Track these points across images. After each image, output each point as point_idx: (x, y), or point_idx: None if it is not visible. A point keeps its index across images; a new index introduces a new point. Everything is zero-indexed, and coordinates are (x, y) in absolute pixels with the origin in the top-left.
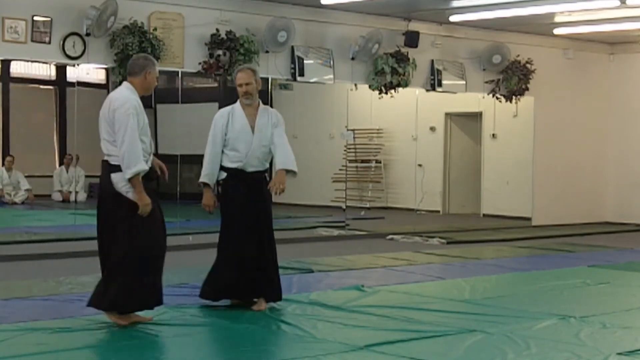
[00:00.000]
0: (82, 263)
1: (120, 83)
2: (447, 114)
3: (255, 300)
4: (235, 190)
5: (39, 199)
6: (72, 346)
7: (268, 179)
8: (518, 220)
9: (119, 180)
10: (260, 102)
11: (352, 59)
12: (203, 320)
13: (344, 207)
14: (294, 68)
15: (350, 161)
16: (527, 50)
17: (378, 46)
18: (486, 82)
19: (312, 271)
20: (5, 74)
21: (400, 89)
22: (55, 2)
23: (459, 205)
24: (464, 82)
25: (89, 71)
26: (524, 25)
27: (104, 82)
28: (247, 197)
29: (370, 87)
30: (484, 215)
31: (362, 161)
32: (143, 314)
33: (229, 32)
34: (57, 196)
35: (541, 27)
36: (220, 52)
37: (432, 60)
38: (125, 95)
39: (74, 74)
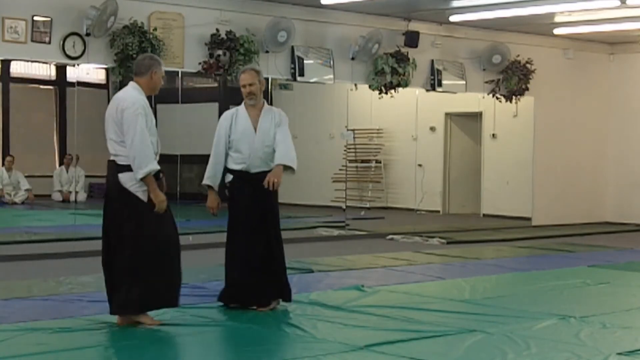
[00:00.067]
0: (82, 263)
1: (120, 83)
2: (447, 114)
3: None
4: (240, 192)
5: (39, 199)
6: (72, 346)
7: None
8: (518, 220)
9: (127, 180)
10: (265, 102)
11: (352, 59)
12: (203, 320)
13: (344, 207)
14: (294, 68)
15: (350, 161)
16: (527, 50)
17: (378, 46)
18: (486, 82)
19: (312, 271)
20: (5, 74)
21: (400, 89)
22: (55, 2)
23: (459, 205)
24: (464, 82)
25: (89, 71)
26: (524, 25)
27: (104, 82)
28: (252, 198)
29: (370, 87)
30: (484, 215)
31: (362, 161)
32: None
33: (229, 32)
34: (57, 196)
35: (541, 27)
36: (220, 52)
37: (432, 60)
38: (133, 95)
39: (74, 74)
